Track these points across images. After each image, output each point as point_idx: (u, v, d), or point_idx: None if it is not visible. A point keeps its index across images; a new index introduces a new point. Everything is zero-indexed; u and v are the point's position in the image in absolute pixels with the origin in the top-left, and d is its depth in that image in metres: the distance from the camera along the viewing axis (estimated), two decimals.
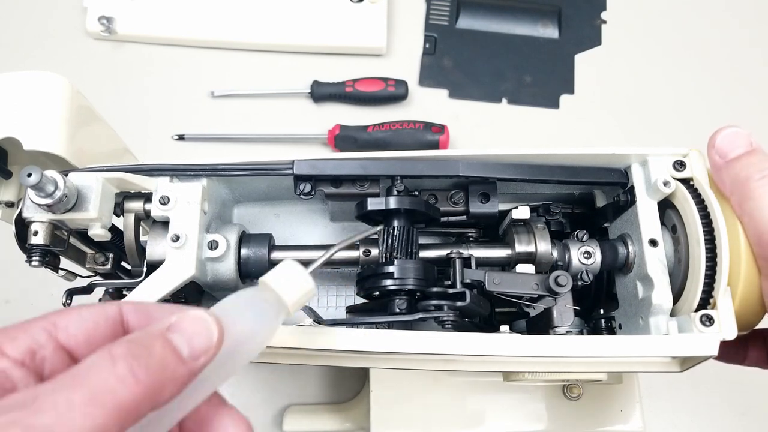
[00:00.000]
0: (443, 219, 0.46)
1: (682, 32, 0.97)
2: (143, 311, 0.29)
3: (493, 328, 0.42)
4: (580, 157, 0.43)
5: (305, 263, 0.32)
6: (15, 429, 0.20)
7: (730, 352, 0.43)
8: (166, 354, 0.24)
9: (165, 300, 0.40)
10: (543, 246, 0.44)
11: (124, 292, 0.45)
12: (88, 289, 0.44)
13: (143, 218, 0.43)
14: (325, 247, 0.48)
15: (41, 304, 0.79)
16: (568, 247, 0.44)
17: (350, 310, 0.49)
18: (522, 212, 0.44)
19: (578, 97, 0.93)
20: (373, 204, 0.42)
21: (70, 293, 0.43)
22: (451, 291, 0.41)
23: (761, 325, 0.41)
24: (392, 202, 0.42)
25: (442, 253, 0.45)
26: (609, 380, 0.50)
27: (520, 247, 0.44)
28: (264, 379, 0.75)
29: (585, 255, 0.43)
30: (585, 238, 0.44)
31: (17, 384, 0.24)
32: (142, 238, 0.45)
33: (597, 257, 0.43)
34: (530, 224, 0.45)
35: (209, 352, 0.26)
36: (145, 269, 0.43)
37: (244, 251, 0.44)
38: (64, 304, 0.43)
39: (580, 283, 0.43)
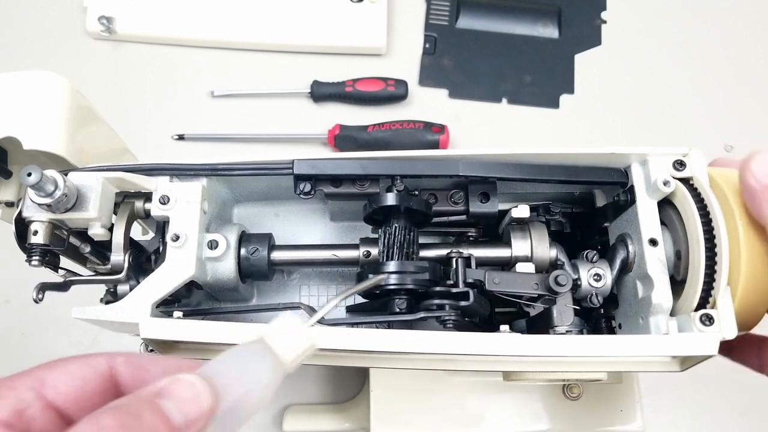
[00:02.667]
0: (443, 219, 0.46)
1: (682, 32, 0.97)
2: (135, 364, 0.27)
3: (493, 328, 0.42)
4: (580, 156, 0.43)
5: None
6: None
7: (748, 359, 0.43)
8: (157, 424, 0.23)
9: (165, 299, 0.40)
10: (539, 248, 0.44)
11: (110, 287, 0.45)
12: (63, 286, 0.43)
13: (141, 216, 0.43)
14: (325, 247, 0.48)
15: (41, 304, 0.79)
16: (577, 267, 0.43)
17: (350, 310, 0.49)
18: (522, 211, 0.44)
19: (578, 97, 0.93)
20: (390, 199, 0.42)
21: (43, 287, 0.42)
22: (454, 290, 0.41)
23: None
24: (404, 199, 0.42)
25: (442, 252, 0.45)
26: (609, 380, 0.50)
27: (517, 250, 0.44)
28: None
29: (595, 278, 0.42)
30: (595, 258, 0.43)
31: None
32: (142, 237, 0.45)
33: (607, 280, 0.42)
34: (527, 225, 0.45)
35: (201, 421, 0.24)
36: (126, 263, 0.42)
37: (244, 251, 0.44)
38: (35, 300, 0.41)
39: (590, 305, 0.42)
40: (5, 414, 0.24)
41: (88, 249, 0.44)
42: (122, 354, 0.27)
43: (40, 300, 0.41)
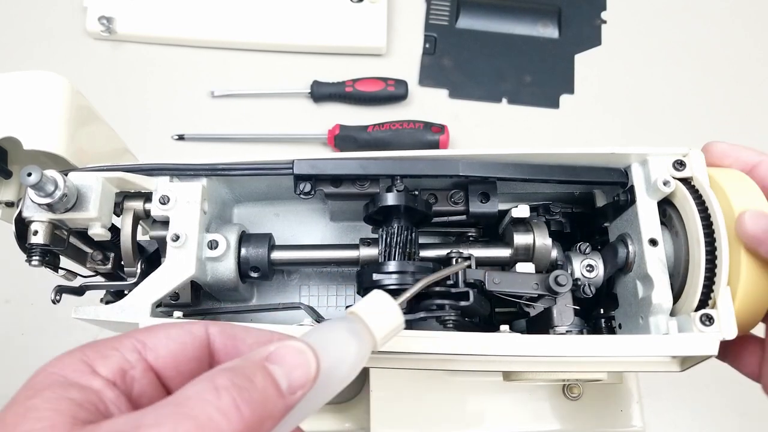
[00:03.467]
0: (443, 219, 0.46)
1: (681, 32, 0.97)
2: (229, 334, 0.28)
3: (493, 328, 0.42)
4: (580, 156, 0.43)
5: (393, 293, 0.31)
6: None
7: (729, 353, 0.43)
8: (267, 387, 0.23)
9: (164, 300, 0.40)
10: (540, 239, 0.44)
11: (126, 292, 0.45)
12: (79, 291, 0.44)
13: (142, 217, 0.43)
14: (325, 247, 0.48)
15: (41, 305, 0.79)
16: (570, 259, 0.44)
17: None
18: (522, 211, 0.44)
19: (578, 97, 0.93)
20: (390, 199, 0.42)
21: (60, 290, 0.43)
22: (454, 291, 0.41)
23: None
24: (405, 199, 0.42)
25: (442, 252, 0.45)
26: (609, 380, 0.50)
27: (519, 241, 0.44)
28: None
29: (587, 268, 0.43)
30: (588, 250, 0.44)
31: (109, 406, 0.24)
32: (142, 238, 0.45)
33: (599, 270, 0.43)
34: (528, 221, 0.45)
35: (306, 387, 0.24)
36: (139, 270, 0.43)
37: (243, 251, 0.44)
38: (53, 301, 0.42)
39: (582, 296, 0.42)
40: (110, 373, 0.24)
41: (100, 257, 0.44)
42: (216, 323, 0.28)
43: (58, 301, 0.43)
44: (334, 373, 0.26)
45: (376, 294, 0.30)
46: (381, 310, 0.29)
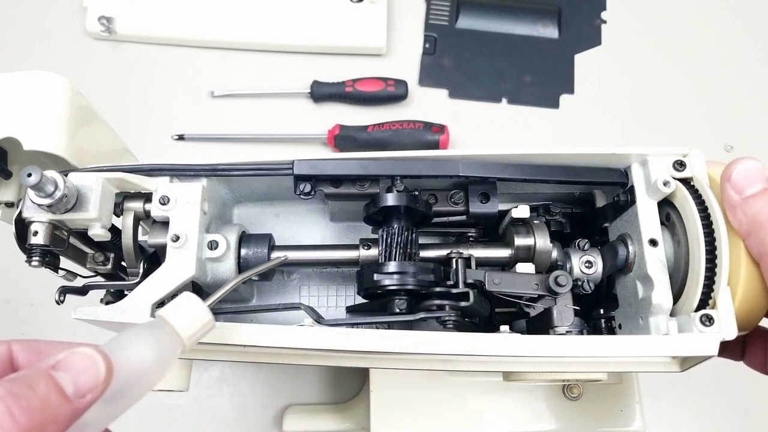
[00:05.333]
0: (443, 219, 0.46)
1: (681, 32, 0.97)
2: (33, 349, 0.28)
3: (493, 328, 0.42)
4: (580, 157, 0.43)
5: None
6: None
7: (728, 347, 0.43)
8: (50, 393, 0.24)
9: (163, 302, 0.40)
10: (541, 241, 0.44)
11: (126, 292, 0.45)
12: (82, 291, 0.44)
13: (142, 218, 0.43)
14: (325, 248, 0.48)
15: (41, 304, 0.79)
16: (569, 255, 0.44)
17: (350, 310, 0.49)
18: (522, 211, 0.44)
19: (578, 97, 0.93)
20: (390, 199, 0.42)
21: (64, 290, 0.43)
22: (454, 291, 0.41)
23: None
24: (405, 200, 0.42)
25: (442, 253, 0.45)
26: (609, 380, 0.50)
27: (519, 242, 0.44)
28: (264, 379, 0.75)
29: (586, 264, 0.43)
30: (587, 246, 0.44)
31: None
32: (141, 238, 0.45)
33: (598, 267, 0.43)
34: (529, 222, 0.45)
35: (96, 390, 0.25)
36: (141, 270, 0.43)
37: (244, 251, 0.44)
38: (57, 301, 0.43)
39: (582, 292, 0.43)
40: None
41: (102, 258, 0.44)
42: (22, 341, 0.29)
43: (62, 302, 0.43)
44: (136, 373, 0.28)
45: (184, 296, 0.32)
46: (188, 312, 0.31)
